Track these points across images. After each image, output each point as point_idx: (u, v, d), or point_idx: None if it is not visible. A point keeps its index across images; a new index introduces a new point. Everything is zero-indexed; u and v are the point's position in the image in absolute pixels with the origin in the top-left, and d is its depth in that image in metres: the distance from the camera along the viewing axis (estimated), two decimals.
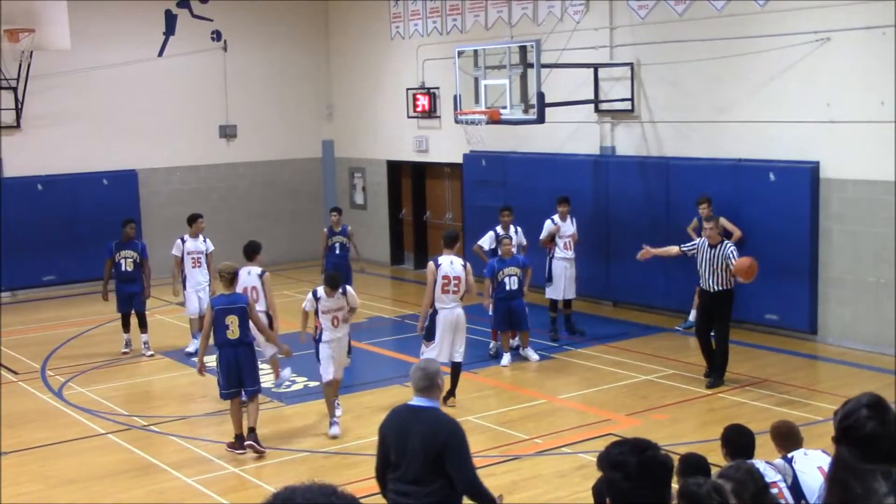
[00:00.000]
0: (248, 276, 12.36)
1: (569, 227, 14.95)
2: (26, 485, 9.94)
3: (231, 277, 10.63)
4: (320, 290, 11.01)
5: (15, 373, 14.04)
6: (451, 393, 11.97)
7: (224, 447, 10.60)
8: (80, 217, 19.99)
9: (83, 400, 12.67)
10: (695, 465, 5.93)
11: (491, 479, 9.60)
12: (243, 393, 10.68)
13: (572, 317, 15.28)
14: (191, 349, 14.55)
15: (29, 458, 10.67)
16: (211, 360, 11.30)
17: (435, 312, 11.85)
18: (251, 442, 10.46)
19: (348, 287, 11.34)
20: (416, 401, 6.36)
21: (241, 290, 13.19)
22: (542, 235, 14.89)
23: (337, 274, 11.35)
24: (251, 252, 12.75)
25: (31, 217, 19.43)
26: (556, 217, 14.94)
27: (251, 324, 10.57)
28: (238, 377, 10.47)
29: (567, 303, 15.15)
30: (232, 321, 10.35)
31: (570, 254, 14.94)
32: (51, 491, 9.78)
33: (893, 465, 3.76)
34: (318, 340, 11.15)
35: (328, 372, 11.09)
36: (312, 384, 12.95)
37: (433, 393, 6.38)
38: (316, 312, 11.14)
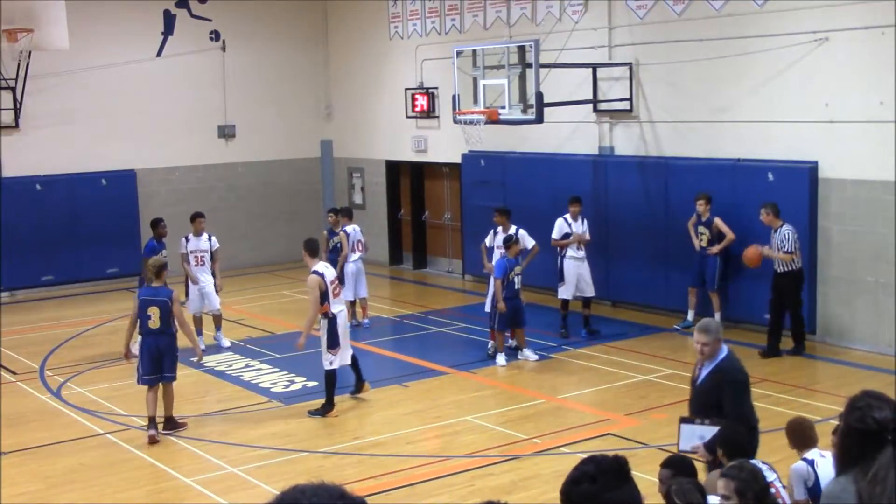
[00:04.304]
0: (355, 231, 15.85)
1: (579, 227, 14.94)
2: (26, 485, 9.94)
3: (157, 271, 11.18)
4: None
5: (14, 373, 14.04)
6: (362, 380, 12.26)
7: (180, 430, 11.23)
8: (79, 217, 19.98)
9: (82, 400, 12.66)
10: (680, 465, 5.98)
11: (491, 479, 9.64)
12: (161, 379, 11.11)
13: (591, 317, 15.22)
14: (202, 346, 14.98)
15: (28, 458, 10.67)
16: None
17: (333, 319, 11.60)
18: (170, 430, 11.12)
19: None
20: None
21: (352, 245, 15.74)
22: (556, 235, 14.83)
23: None
24: (350, 213, 16.43)
25: (29, 217, 19.40)
26: (567, 217, 14.92)
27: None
28: (159, 365, 11.00)
29: (587, 302, 15.10)
30: (153, 312, 10.94)
31: (581, 253, 14.93)
32: (50, 491, 9.79)
33: None
34: None
35: None
36: (311, 384, 12.96)
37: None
38: None
